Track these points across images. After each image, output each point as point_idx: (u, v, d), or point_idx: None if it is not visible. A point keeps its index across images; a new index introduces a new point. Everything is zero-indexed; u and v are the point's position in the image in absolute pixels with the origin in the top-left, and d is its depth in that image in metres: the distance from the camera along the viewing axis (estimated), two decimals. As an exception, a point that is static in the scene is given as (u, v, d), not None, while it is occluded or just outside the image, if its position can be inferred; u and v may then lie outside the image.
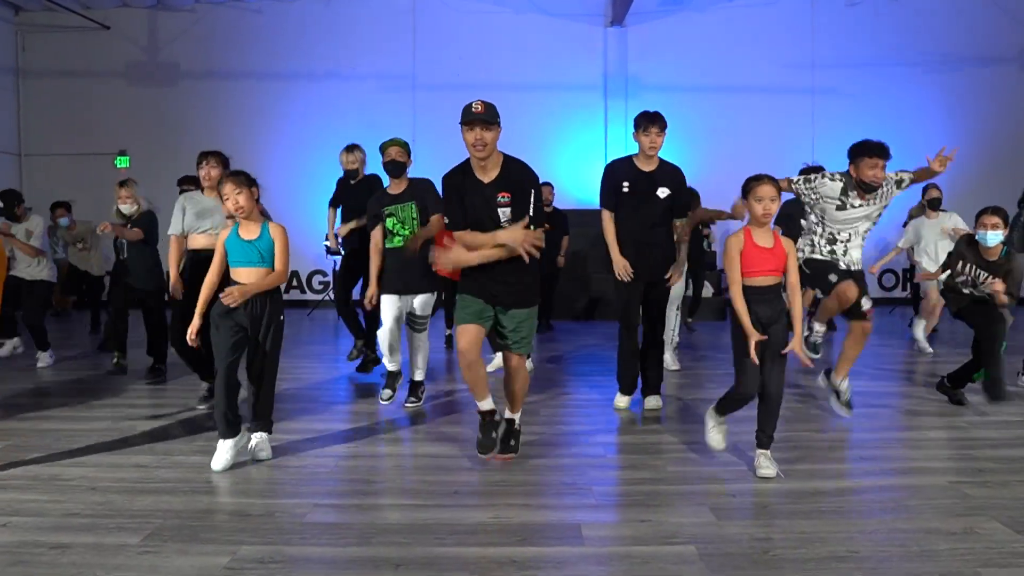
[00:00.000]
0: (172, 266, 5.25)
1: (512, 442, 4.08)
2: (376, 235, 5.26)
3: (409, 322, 5.35)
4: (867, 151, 4.51)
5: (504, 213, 3.81)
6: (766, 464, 3.81)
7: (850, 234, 4.79)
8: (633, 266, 5.04)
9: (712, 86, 12.46)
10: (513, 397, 4.09)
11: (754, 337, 3.66)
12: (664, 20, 12.64)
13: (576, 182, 12.01)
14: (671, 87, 12.38)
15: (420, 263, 4.94)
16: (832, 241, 4.82)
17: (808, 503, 3.46)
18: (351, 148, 6.56)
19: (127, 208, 6.33)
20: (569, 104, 12.48)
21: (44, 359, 7.15)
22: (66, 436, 4.59)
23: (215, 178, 5.01)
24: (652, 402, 5.28)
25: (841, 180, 4.66)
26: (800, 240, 4.95)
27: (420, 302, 5.27)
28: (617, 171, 5.15)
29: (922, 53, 12.66)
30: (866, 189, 4.59)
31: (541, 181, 3.95)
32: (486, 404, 4.01)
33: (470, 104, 3.77)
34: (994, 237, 4.96)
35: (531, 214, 3.80)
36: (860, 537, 3.08)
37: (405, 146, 5.30)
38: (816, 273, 4.83)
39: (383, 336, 5.28)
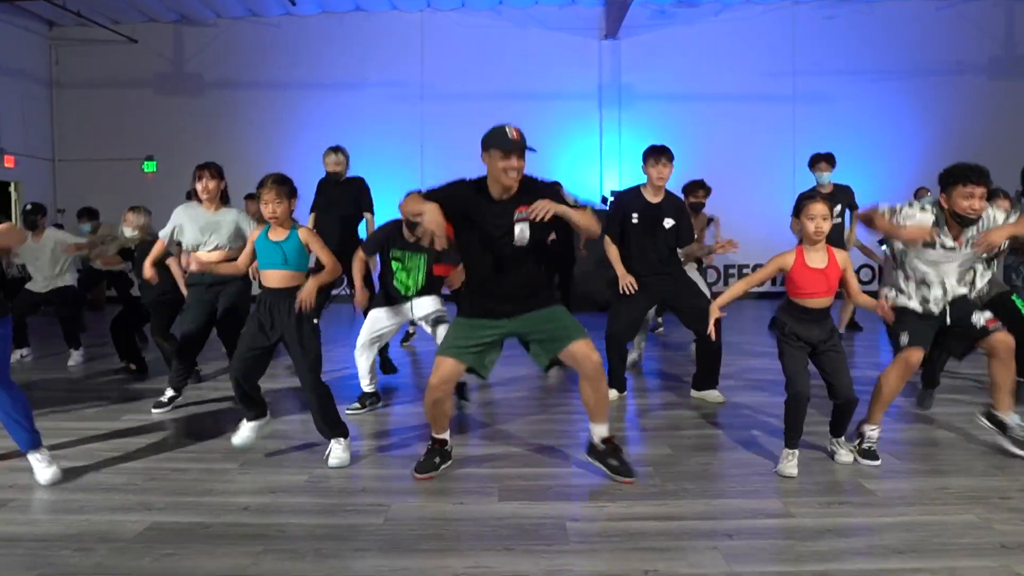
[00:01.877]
0: (147, 263, 5.57)
1: (623, 459, 3.86)
2: (362, 259, 5.33)
3: (426, 325, 5.29)
4: (960, 177, 3.96)
5: (523, 228, 3.60)
6: (839, 448, 4.10)
7: (934, 280, 4.18)
8: (645, 293, 5.40)
9: (700, 95, 13.51)
10: (599, 406, 3.79)
11: (717, 303, 4.00)
12: (655, 33, 13.70)
13: (572, 186, 13.05)
14: (661, 96, 13.50)
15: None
16: (925, 284, 4.21)
17: (750, 444, 4.53)
18: (336, 149, 6.74)
19: (128, 232, 6.49)
20: (566, 112, 13.54)
21: (75, 358, 7.46)
22: (151, 396, 5.63)
23: (213, 190, 5.30)
24: (714, 396, 5.52)
25: (934, 212, 4.07)
26: (886, 278, 4.45)
27: (420, 305, 5.21)
28: (626, 202, 5.46)
29: (896, 63, 13.68)
30: (961, 223, 4.02)
31: (548, 181, 3.87)
32: (443, 434, 3.99)
33: (502, 129, 3.60)
34: None
35: (573, 202, 3.68)
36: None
37: None
38: (898, 324, 4.22)
39: (359, 350, 5.28)
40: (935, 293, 4.19)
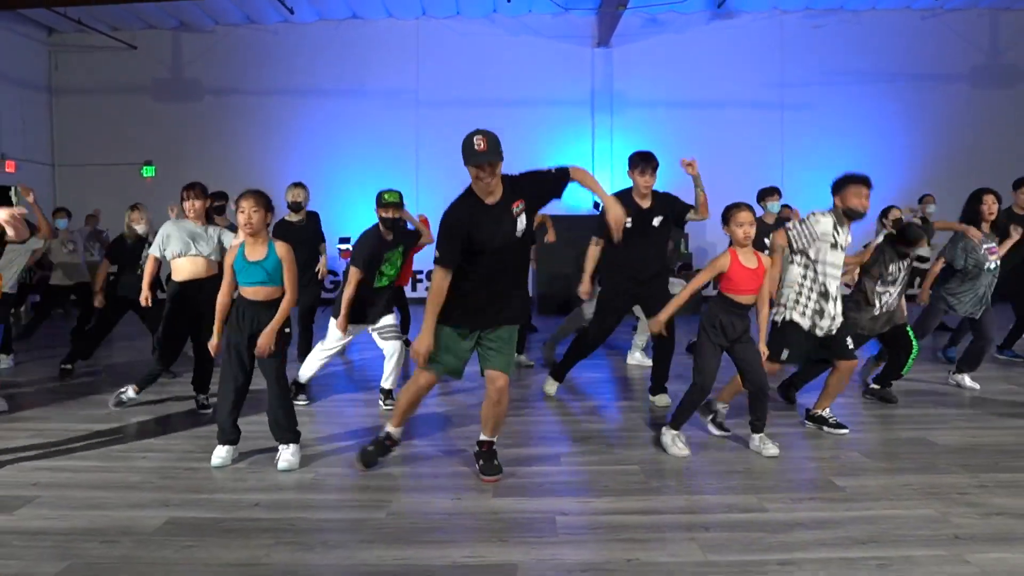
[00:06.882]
0: (145, 283, 5.74)
1: (496, 461, 4.18)
2: (357, 276, 5.39)
3: (378, 337, 5.72)
4: (853, 179, 4.74)
5: (521, 221, 3.87)
6: (767, 445, 4.52)
7: (836, 285, 4.85)
8: (629, 295, 5.77)
9: (690, 102, 13.82)
10: (495, 422, 4.16)
11: (660, 317, 4.65)
12: (646, 41, 14.00)
13: (565, 193, 13.24)
14: (652, 103, 13.79)
15: (386, 302, 5.67)
16: (824, 296, 4.84)
17: (730, 445, 4.81)
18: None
19: (141, 229, 6.90)
20: (559, 119, 13.83)
21: (5, 361, 7.56)
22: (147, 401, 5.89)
23: (199, 209, 5.55)
24: (662, 400, 5.84)
25: (831, 215, 4.78)
26: (783, 293, 4.92)
27: (381, 320, 5.66)
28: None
29: (882, 71, 14.02)
30: (851, 217, 4.75)
31: (526, 173, 4.08)
32: (397, 431, 4.34)
33: (471, 140, 3.68)
34: None
35: (552, 172, 4.11)
36: (756, 460, 4.45)
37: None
38: (784, 339, 4.88)
39: (321, 353, 5.71)
40: (830, 308, 4.82)
